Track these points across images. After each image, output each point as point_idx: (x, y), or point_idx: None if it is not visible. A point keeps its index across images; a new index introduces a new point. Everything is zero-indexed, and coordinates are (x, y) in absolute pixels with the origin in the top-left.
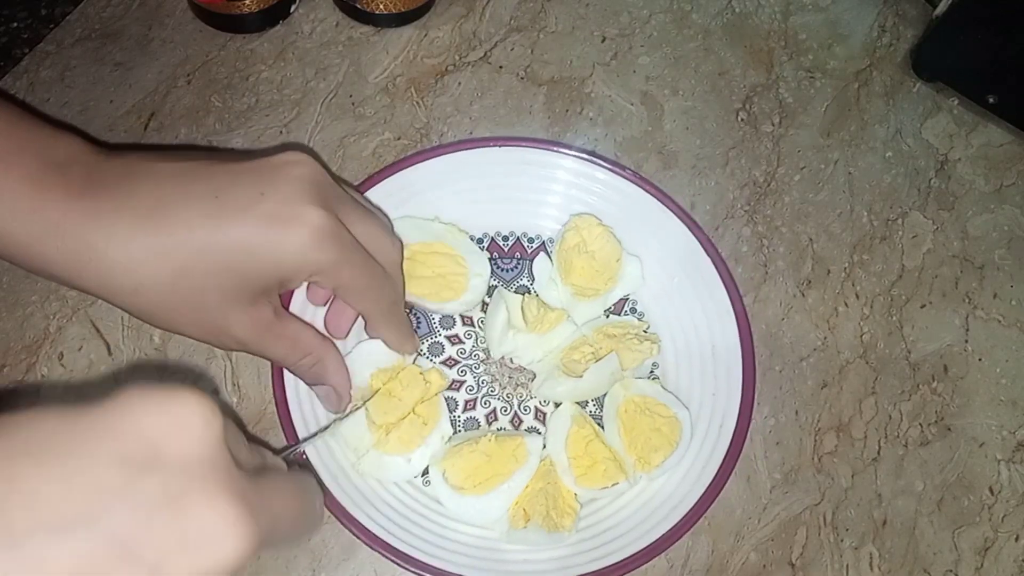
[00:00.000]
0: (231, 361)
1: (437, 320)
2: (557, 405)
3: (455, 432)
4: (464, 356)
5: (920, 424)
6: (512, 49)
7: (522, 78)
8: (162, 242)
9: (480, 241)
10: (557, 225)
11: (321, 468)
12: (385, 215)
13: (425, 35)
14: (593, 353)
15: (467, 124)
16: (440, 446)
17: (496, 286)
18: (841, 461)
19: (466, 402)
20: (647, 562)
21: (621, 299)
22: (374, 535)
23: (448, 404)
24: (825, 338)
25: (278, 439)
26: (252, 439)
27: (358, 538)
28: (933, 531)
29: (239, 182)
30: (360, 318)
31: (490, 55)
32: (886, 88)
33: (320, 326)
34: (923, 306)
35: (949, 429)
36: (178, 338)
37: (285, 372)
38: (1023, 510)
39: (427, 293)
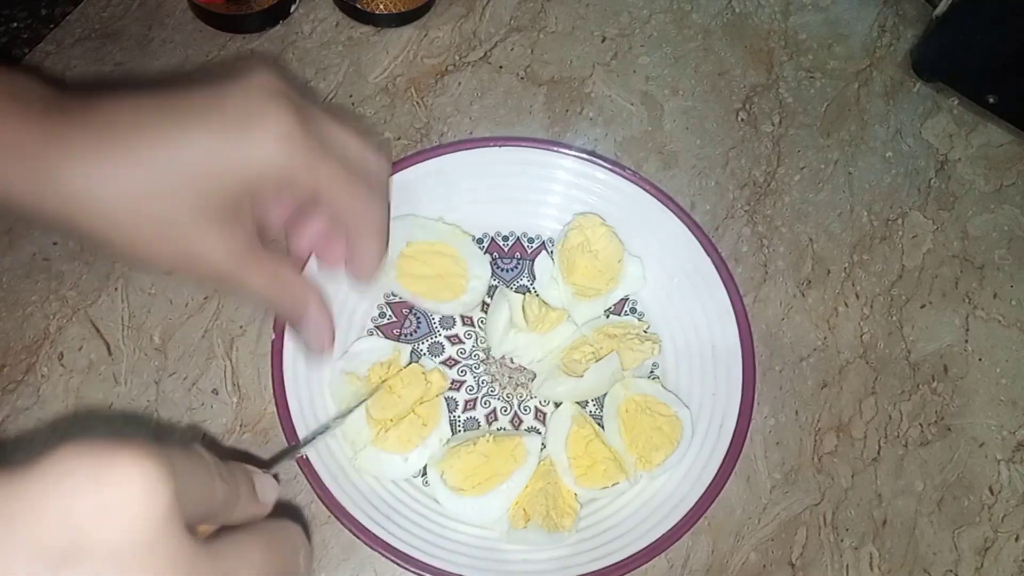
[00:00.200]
0: (231, 361)
1: (437, 320)
2: (557, 405)
3: (455, 432)
4: (464, 356)
5: (920, 424)
6: (512, 49)
7: (522, 78)
8: (125, 157)
9: (480, 241)
10: (557, 225)
11: (320, 467)
12: (383, 154)
13: (425, 35)
14: (593, 353)
15: (467, 124)
16: (439, 447)
17: (496, 286)
18: (841, 461)
19: (466, 402)
20: (647, 562)
21: (621, 299)
22: (374, 535)
23: (448, 404)
24: (825, 338)
25: (278, 439)
26: (244, 457)
27: (358, 538)
28: (933, 531)
29: (200, 94)
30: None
31: (490, 55)
32: (886, 88)
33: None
34: (923, 306)
35: (949, 429)
36: (178, 337)
37: (285, 372)
38: (1023, 510)
39: (425, 292)
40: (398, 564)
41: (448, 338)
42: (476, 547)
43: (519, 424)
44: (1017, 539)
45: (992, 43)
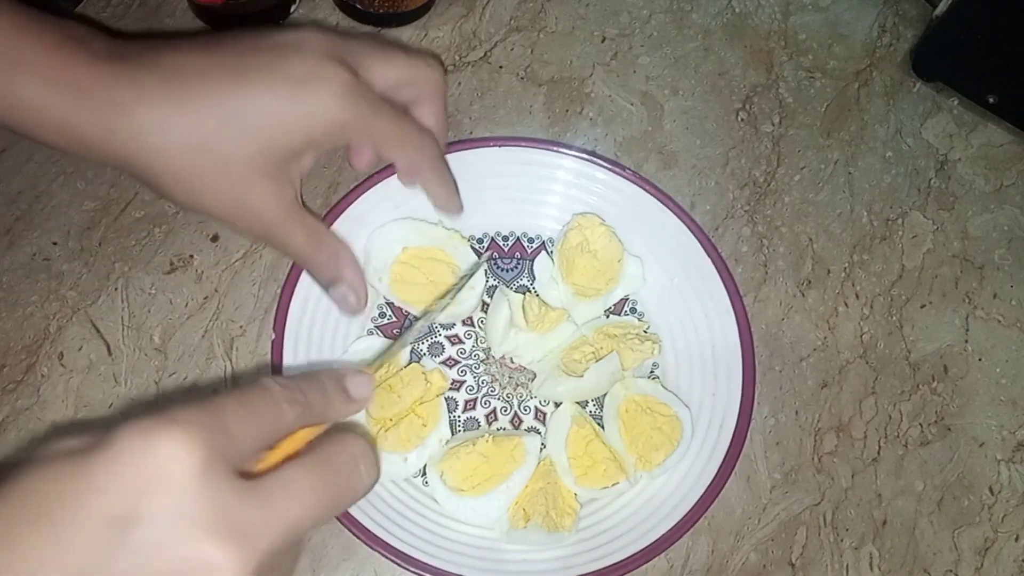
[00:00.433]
0: (231, 361)
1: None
2: (557, 405)
3: (455, 432)
4: (464, 356)
5: (920, 424)
6: (512, 49)
7: (522, 78)
8: (191, 103)
9: (480, 241)
10: (557, 225)
11: None
12: (436, 59)
13: (425, 35)
14: (593, 353)
15: (467, 124)
16: (438, 448)
17: (496, 286)
18: (841, 461)
19: (466, 402)
20: (647, 562)
21: (621, 299)
22: (374, 535)
23: (448, 404)
24: (825, 338)
25: None
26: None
27: (358, 538)
28: (933, 531)
29: (260, 50)
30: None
31: (490, 55)
32: (886, 88)
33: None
34: (923, 306)
35: (949, 429)
36: (178, 337)
37: (285, 372)
38: (1023, 510)
39: (416, 300)
40: (398, 564)
41: (448, 338)
42: (476, 547)
43: (519, 424)
44: (1017, 539)
45: (992, 43)
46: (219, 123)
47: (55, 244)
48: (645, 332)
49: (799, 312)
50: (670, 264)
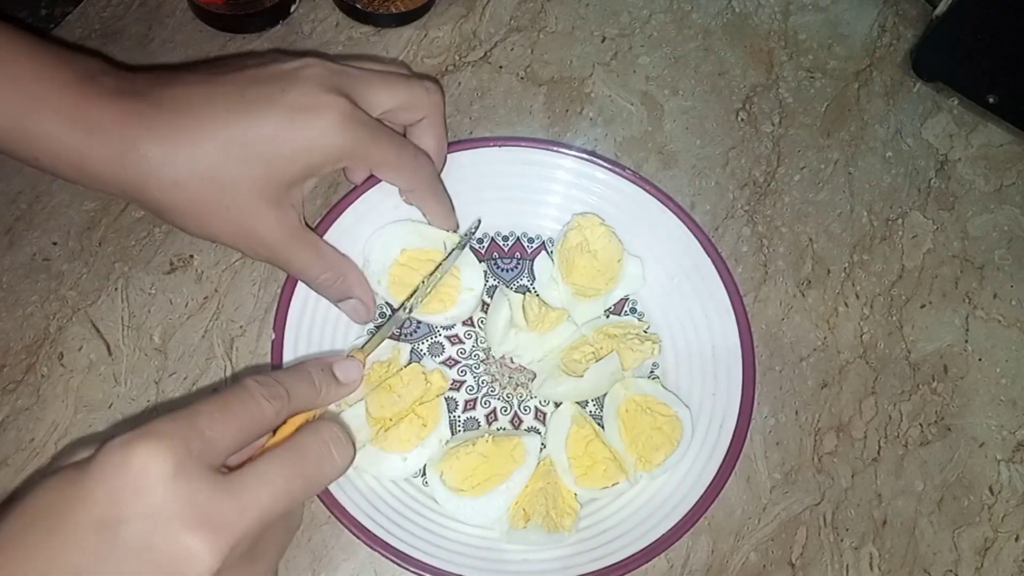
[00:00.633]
0: (231, 361)
1: None
2: (557, 405)
3: (455, 432)
4: (464, 356)
5: (920, 424)
6: (512, 49)
7: (522, 78)
8: (196, 136)
9: (480, 241)
10: (557, 225)
11: None
12: (434, 83)
13: (425, 35)
14: (594, 353)
15: (467, 124)
16: (438, 448)
17: (496, 286)
18: (841, 461)
19: (466, 402)
20: (647, 562)
21: (621, 299)
22: (374, 535)
23: (448, 404)
24: (825, 338)
25: None
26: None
27: (358, 538)
28: (933, 531)
29: (261, 82)
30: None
31: (490, 55)
32: (886, 88)
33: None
34: (923, 306)
35: (949, 429)
36: (178, 337)
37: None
38: (1023, 510)
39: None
40: (398, 564)
41: (448, 338)
42: (476, 547)
43: (519, 424)
44: (1017, 539)
45: (992, 43)
46: (222, 153)
47: (55, 244)
48: (645, 332)
49: (799, 312)
50: (670, 264)
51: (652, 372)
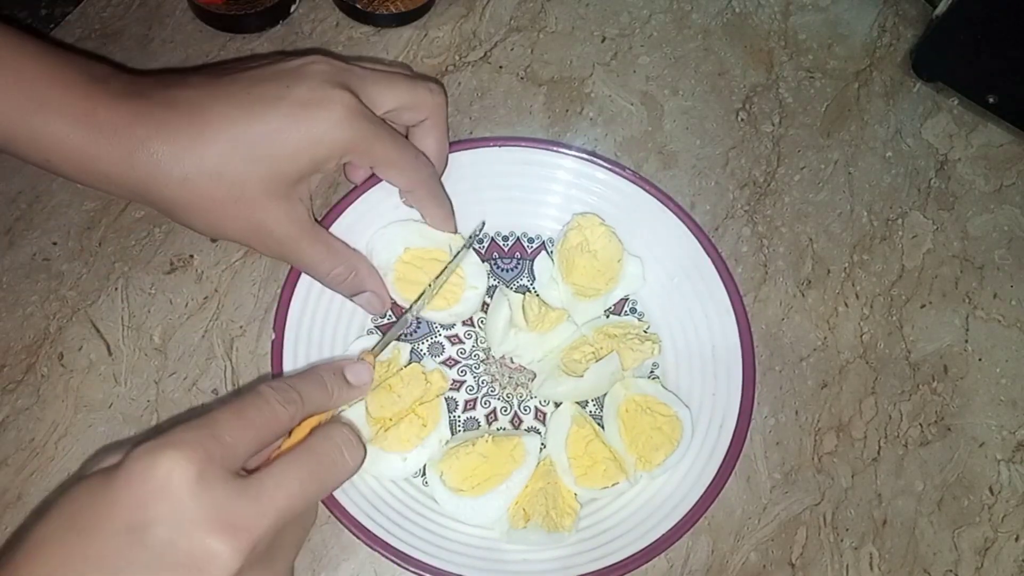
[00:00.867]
0: (231, 361)
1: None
2: (557, 405)
3: (454, 432)
4: (464, 356)
5: (920, 424)
6: (512, 49)
7: (522, 78)
8: (204, 134)
9: (480, 241)
10: (557, 225)
11: None
12: (438, 85)
13: (425, 35)
14: (594, 353)
15: (467, 124)
16: (438, 448)
17: (496, 286)
18: (841, 461)
19: (466, 402)
20: (647, 562)
21: (621, 299)
22: (374, 535)
23: (448, 404)
24: (825, 338)
25: None
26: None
27: (358, 538)
28: (933, 531)
29: (266, 79)
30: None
31: (490, 55)
32: (886, 88)
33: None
34: (923, 306)
35: (949, 429)
36: (178, 337)
37: (285, 372)
38: (1023, 510)
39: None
40: (398, 564)
41: (448, 338)
42: (476, 547)
43: (519, 424)
44: (1017, 539)
45: (992, 43)
46: (229, 150)
47: (55, 244)
48: (645, 332)
49: (799, 312)
50: (670, 264)
51: (652, 372)
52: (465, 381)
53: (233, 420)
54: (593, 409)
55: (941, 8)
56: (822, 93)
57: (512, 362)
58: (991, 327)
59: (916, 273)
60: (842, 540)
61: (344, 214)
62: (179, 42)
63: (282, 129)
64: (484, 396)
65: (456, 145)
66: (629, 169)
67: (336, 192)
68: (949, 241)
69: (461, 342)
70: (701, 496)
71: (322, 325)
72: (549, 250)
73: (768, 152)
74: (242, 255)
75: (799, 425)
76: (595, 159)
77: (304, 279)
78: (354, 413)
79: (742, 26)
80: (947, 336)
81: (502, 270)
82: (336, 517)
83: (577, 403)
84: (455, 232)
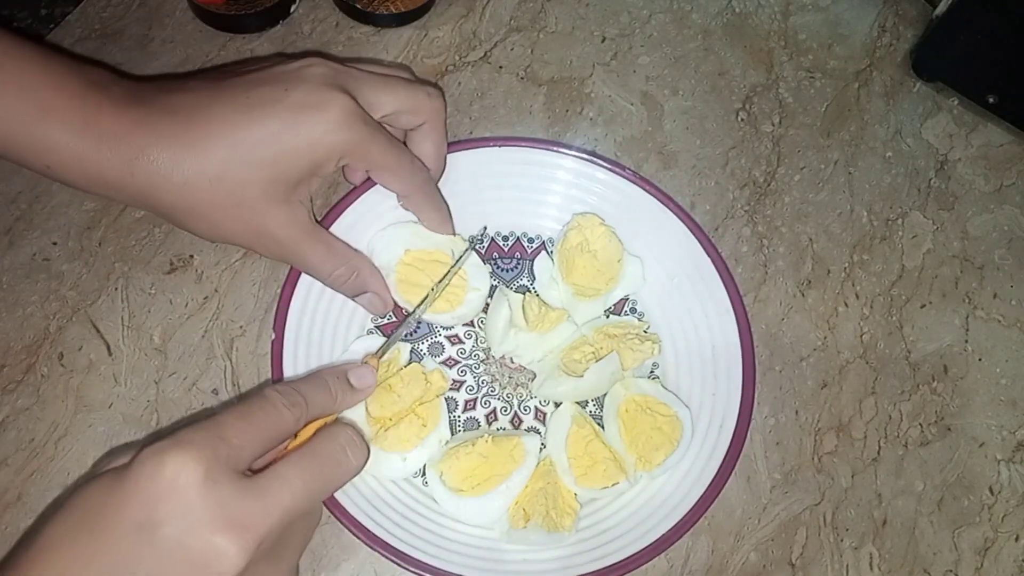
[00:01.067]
0: (231, 361)
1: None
2: (557, 405)
3: (454, 432)
4: (464, 356)
5: (920, 424)
6: (512, 49)
7: (522, 78)
8: (204, 139)
9: (480, 241)
10: (557, 225)
11: None
12: (436, 89)
13: (425, 35)
14: (594, 353)
15: (467, 124)
16: (438, 448)
17: (496, 286)
18: (841, 461)
19: (466, 402)
20: (647, 562)
21: (621, 299)
22: (374, 535)
23: (448, 404)
24: (825, 338)
25: None
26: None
27: (358, 538)
28: (933, 531)
29: (264, 83)
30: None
31: (490, 55)
32: (886, 88)
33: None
34: (923, 306)
35: (949, 429)
36: (178, 337)
37: (285, 372)
38: (1023, 510)
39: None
40: (398, 564)
41: (448, 338)
42: (476, 547)
43: (519, 424)
44: (1017, 539)
45: (992, 43)
46: (229, 154)
47: (55, 244)
48: (645, 332)
49: (799, 312)
50: (670, 264)
51: (652, 372)
52: (465, 381)
53: (239, 422)
54: (593, 409)
55: (941, 8)
56: (822, 93)
57: (512, 362)
58: (991, 327)
59: (916, 273)
60: (842, 540)
61: (344, 214)
62: (179, 42)
63: (280, 132)
64: (484, 396)
65: (456, 145)
66: (629, 169)
67: (336, 192)
68: (949, 241)
69: (461, 342)
70: (701, 496)
71: (322, 325)
72: (549, 250)
73: (768, 152)
74: (242, 255)
75: (799, 425)
76: (595, 159)
77: (304, 279)
78: (354, 413)
79: (742, 26)
80: (947, 336)
81: (502, 270)
82: (336, 517)
83: (577, 403)
84: (453, 235)
